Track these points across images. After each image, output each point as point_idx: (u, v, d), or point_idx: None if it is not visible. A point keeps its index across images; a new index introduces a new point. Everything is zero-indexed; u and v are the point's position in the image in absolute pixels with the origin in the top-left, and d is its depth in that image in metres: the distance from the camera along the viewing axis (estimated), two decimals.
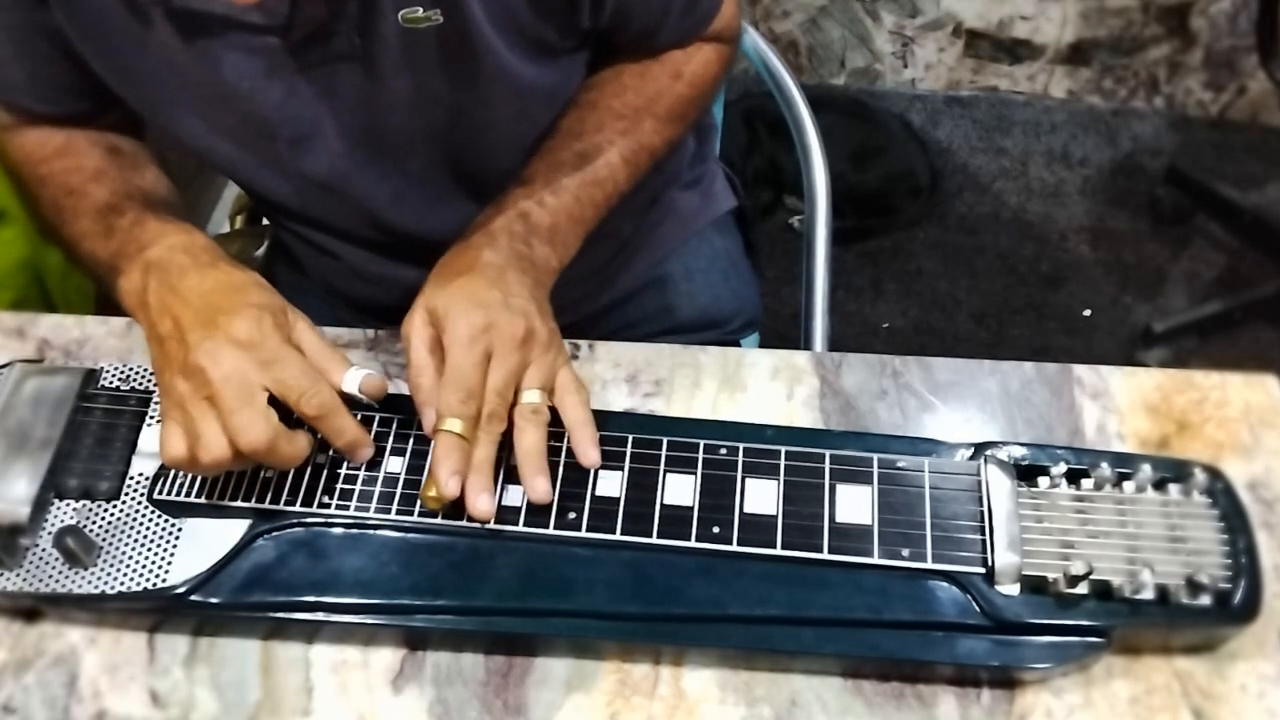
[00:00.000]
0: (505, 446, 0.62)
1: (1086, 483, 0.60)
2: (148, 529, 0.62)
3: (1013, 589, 0.58)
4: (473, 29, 0.68)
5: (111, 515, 0.63)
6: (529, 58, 0.72)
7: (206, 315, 0.60)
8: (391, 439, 0.65)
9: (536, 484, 0.60)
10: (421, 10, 0.66)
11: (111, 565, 0.61)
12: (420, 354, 0.62)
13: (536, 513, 0.61)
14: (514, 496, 0.62)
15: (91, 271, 0.71)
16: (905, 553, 0.59)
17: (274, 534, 0.62)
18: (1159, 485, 0.60)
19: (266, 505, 0.62)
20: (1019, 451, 0.62)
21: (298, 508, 0.62)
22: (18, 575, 0.61)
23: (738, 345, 1.01)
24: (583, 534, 0.61)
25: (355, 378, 0.62)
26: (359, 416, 0.64)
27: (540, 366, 0.62)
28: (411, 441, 0.64)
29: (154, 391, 0.68)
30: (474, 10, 0.67)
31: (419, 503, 0.62)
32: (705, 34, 0.79)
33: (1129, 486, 0.60)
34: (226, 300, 0.61)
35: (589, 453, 0.61)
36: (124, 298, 0.66)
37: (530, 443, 0.60)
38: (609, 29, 0.75)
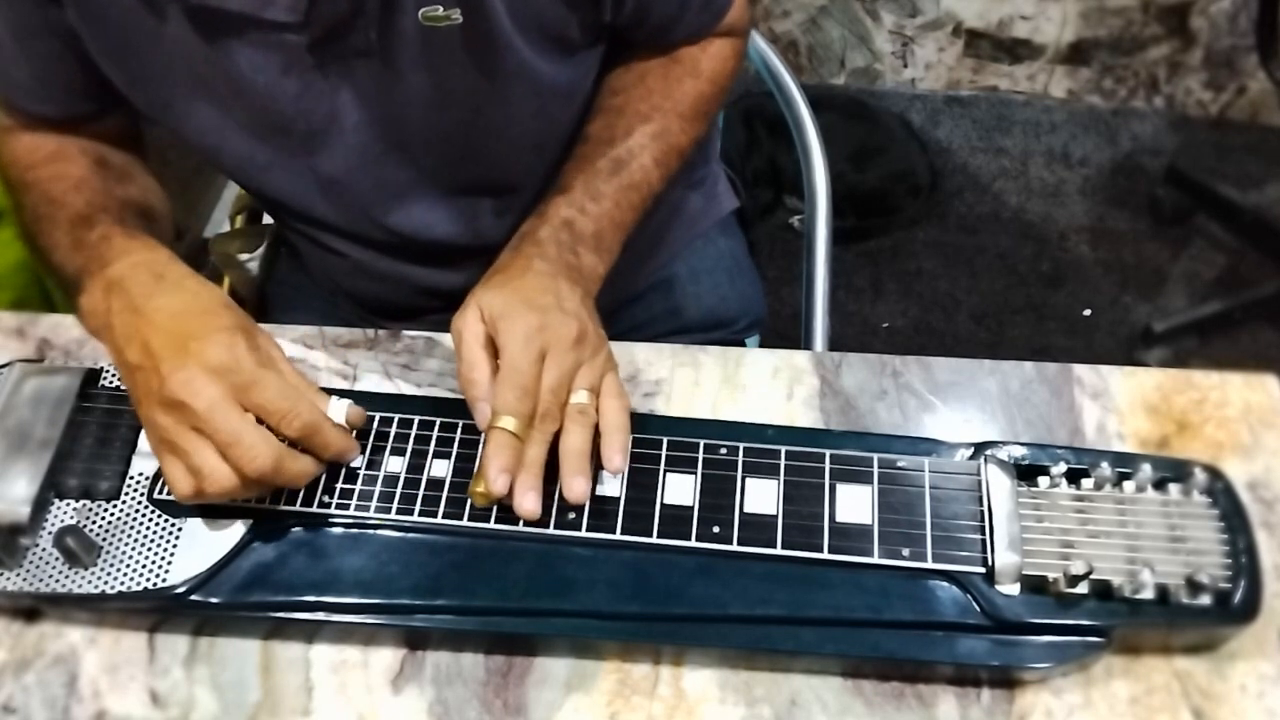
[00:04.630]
0: None
1: (1086, 482, 0.60)
2: (148, 529, 0.62)
3: (1013, 589, 0.58)
4: (494, 27, 0.68)
5: (111, 515, 0.63)
6: (548, 55, 0.73)
7: (178, 341, 0.59)
8: (391, 439, 0.65)
9: (575, 484, 0.59)
10: (442, 9, 0.66)
11: (111, 565, 0.61)
12: (474, 350, 0.61)
13: None
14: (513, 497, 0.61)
15: (61, 284, 0.71)
16: (905, 552, 0.59)
17: (274, 534, 0.62)
18: (1159, 485, 0.60)
19: (266, 505, 0.62)
20: (1019, 451, 0.62)
21: (298, 508, 0.62)
22: (18, 575, 0.61)
23: (743, 345, 1.01)
24: (583, 534, 0.61)
25: (339, 409, 0.62)
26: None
27: (591, 368, 0.62)
28: (411, 442, 0.64)
29: None
30: (496, 8, 0.67)
31: (468, 514, 0.62)
32: (718, 28, 0.80)
33: (1129, 486, 0.60)
34: (196, 324, 0.60)
35: (615, 458, 0.60)
36: (85, 318, 0.65)
37: (575, 442, 0.60)
38: (626, 24, 0.75)
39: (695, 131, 0.79)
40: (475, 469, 0.62)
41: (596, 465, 0.61)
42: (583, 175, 0.72)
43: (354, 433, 0.64)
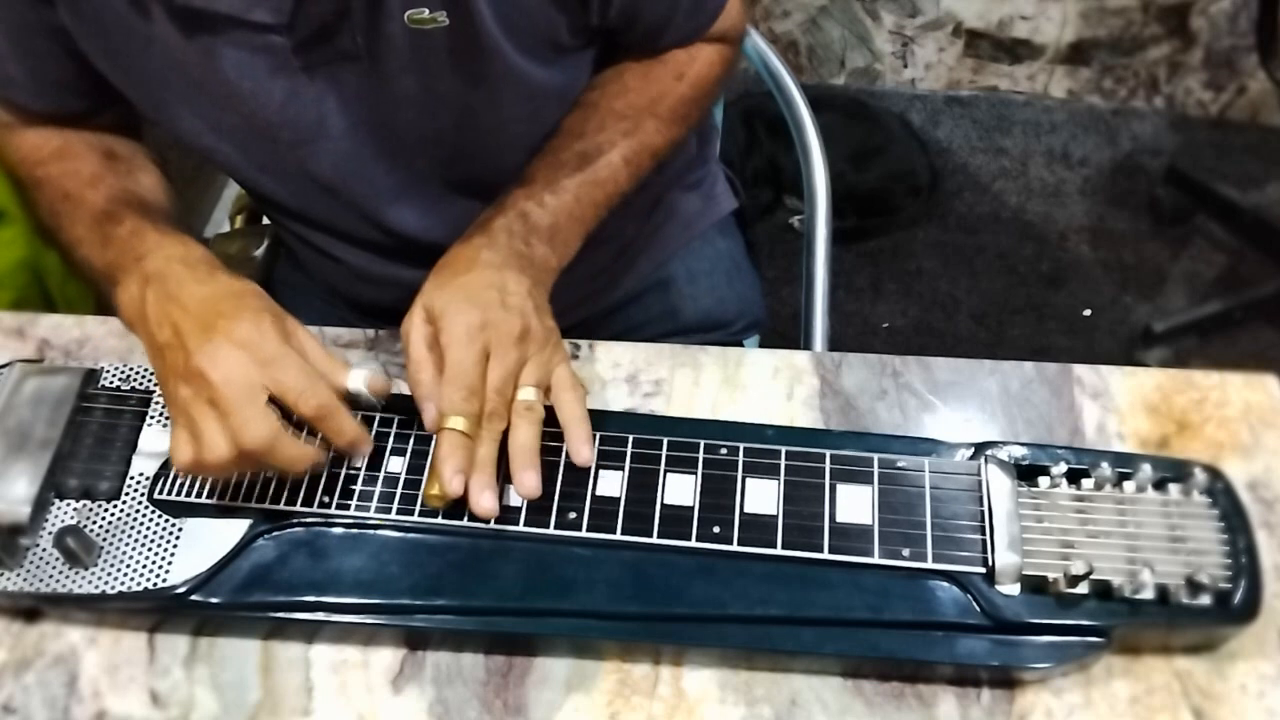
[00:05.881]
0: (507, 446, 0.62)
1: (1087, 483, 0.60)
2: (148, 529, 0.62)
3: (1013, 589, 0.58)
4: (480, 30, 0.68)
5: (112, 515, 0.63)
6: (537, 58, 0.72)
7: (206, 320, 0.60)
8: (392, 439, 0.65)
9: (526, 479, 0.60)
10: (428, 11, 0.66)
11: (112, 565, 0.61)
12: (420, 350, 0.62)
13: (537, 512, 0.61)
14: (516, 496, 0.61)
15: (87, 277, 0.71)
16: (905, 552, 0.59)
17: (274, 534, 0.62)
18: (1159, 485, 0.60)
19: (267, 505, 0.62)
20: (1019, 451, 0.62)
21: (298, 508, 0.62)
22: (18, 575, 0.61)
23: (741, 346, 1.01)
24: (583, 534, 0.61)
25: (360, 376, 0.63)
26: (359, 417, 0.64)
27: (536, 364, 0.62)
28: (412, 441, 0.64)
29: (154, 391, 0.68)
30: (481, 11, 0.67)
31: (420, 501, 0.62)
32: (709, 34, 0.79)
33: (1129, 486, 0.60)
34: (226, 305, 0.61)
35: (582, 450, 0.61)
36: (121, 309, 0.66)
37: (523, 439, 0.60)
38: (615, 28, 0.75)
39: (672, 134, 0.79)
40: (427, 472, 0.62)
41: (597, 466, 0.61)
42: (546, 167, 0.72)
43: (372, 435, 0.64)
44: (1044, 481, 0.60)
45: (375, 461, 0.64)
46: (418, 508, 0.62)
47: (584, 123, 0.75)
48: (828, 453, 0.63)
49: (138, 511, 0.63)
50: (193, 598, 0.60)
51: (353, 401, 0.63)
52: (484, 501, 0.59)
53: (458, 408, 0.59)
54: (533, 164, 0.73)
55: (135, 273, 0.65)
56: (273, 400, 0.59)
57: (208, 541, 0.62)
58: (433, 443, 0.62)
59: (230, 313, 0.60)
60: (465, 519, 0.61)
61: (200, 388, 0.58)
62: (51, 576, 0.61)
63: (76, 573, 0.61)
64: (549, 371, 0.63)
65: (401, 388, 0.72)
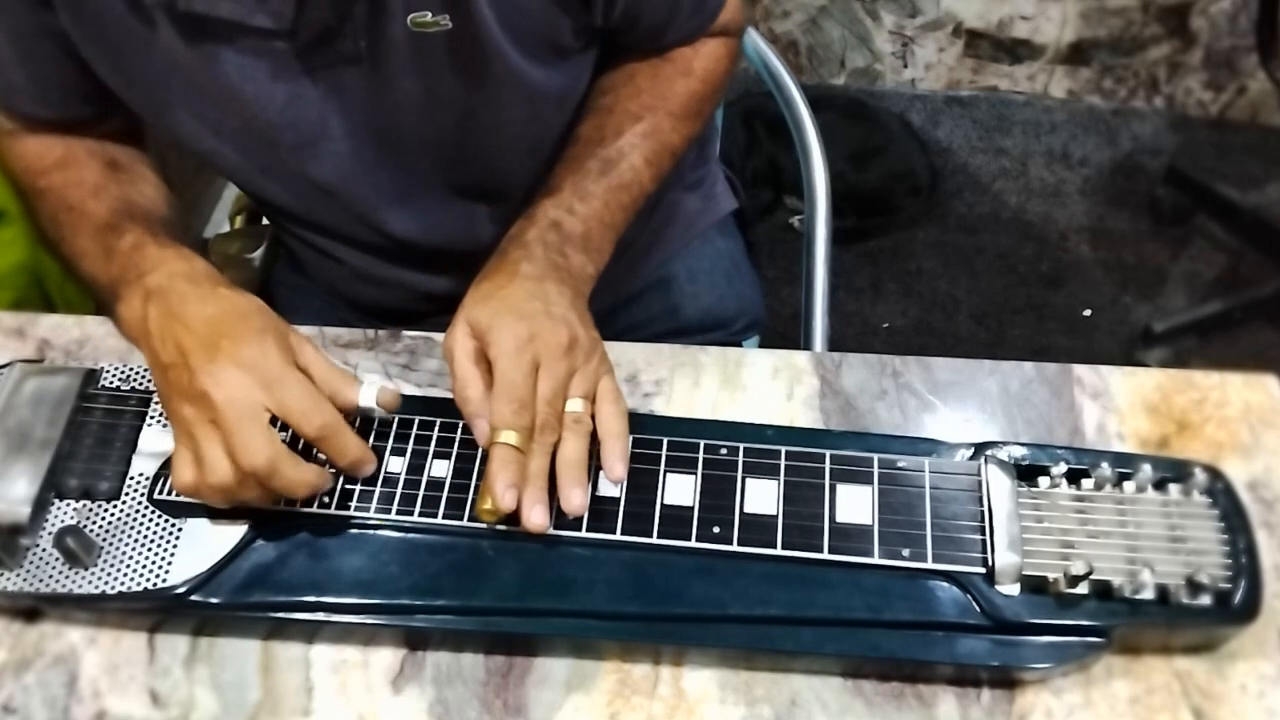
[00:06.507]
0: None
1: (1087, 483, 0.60)
2: (148, 529, 0.62)
3: (1013, 589, 0.58)
4: (482, 32, 0.68)
5: (112, 515, 0.63)
6: (539, 60, 0.72)
7: (210, 340, 0.60)
8: (391, 439, 0.65)
9: (573, 496, 0.59)
10: (430, 15, 0.66)
11: (111, 565, 0.61)
12: (466, 366, 0.61)
13: None
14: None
15: (90, 289, 0.71)
16: (905, 553, 0.59)
17: (274, 534, 0.62)
18: (1159, 485, 0.60)
19: (266, 506, 0.62)
20: (1019, 451, 0.62)
21: (298, 508, 0.62)
22: (18, 575, 0.61)
23: (740, 346, 1.01)
24: (583, 534, 0.61)
25: (370, 392, 0.62)
26: (357, 423, 0.64)
27: (584, 374, 0.62)
28: (412, 442, 0.64)
29: (154, 392, 0.68)
30: (483, 14, 0.67)
31: (469, 515, 0.61)
32: (712, 29, 0.79)
33: (1129, 486, 0.60)
34: (230, 326, 0.61)
35: (616, 467, 0.60)
36: (124, 325, 0.66)
37: (571, 453, 0.60)
38: (617, 28, 0.75)
39: (688, 130, 0.79)
40: (476, 486, 0.62)
41: (596, 468, 0.61)
42: (571, 176, 0.72)
43: (372, 435, 0.64)
44: (1044, 481, 0.60)
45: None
46: (417, 508, 0.62)
47: (602, 128, 0.75)
48: (828, 453, 0.63)
49: (138, 511, 0.63)
50: (193, 598, 0.60)
51: (359, 418, 0.63)
52: (535, 517, 0.58)
53: (509, 422, 0.58)
54: (557, 173, 0.73)
55: (138, 288, 0.65)
56: (277, 423, 0.59)
57: (208, 541, 0.62)
58: (479, 456, 0.62)
59: (234, 333, 0.60)
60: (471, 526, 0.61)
61: (204, 408, 0.58)
62: (51, 576, 0.61)
63: (76, 573, 0.61)
64: (595, 382, 0.63)
65: (401, 388, 0.72)
